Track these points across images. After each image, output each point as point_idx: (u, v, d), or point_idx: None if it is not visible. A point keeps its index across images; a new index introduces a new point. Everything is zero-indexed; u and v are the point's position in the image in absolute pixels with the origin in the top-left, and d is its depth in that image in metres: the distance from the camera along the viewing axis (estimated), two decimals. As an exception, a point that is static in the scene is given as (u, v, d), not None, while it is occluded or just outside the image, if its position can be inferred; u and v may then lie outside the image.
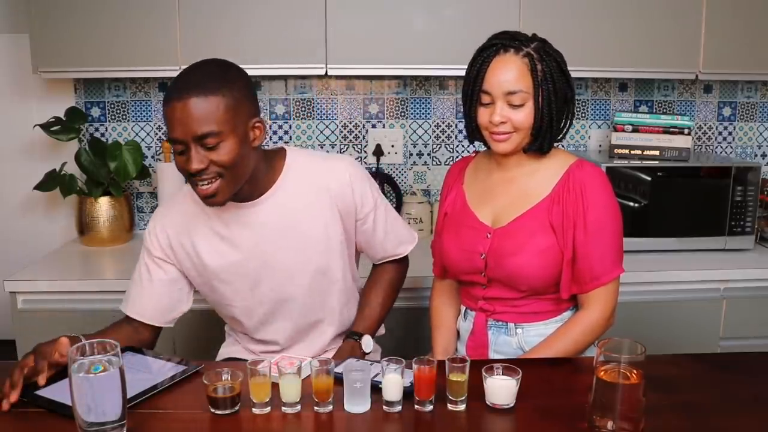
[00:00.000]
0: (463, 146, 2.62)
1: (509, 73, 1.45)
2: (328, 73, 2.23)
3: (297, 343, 1.66)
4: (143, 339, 1.58)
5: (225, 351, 1.75)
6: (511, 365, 1.25)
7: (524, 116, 1.46)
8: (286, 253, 1.55)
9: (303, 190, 1.54)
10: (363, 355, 1.61)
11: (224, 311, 1.65)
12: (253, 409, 1.22)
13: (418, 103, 2.60)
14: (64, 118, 2.42)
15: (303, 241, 1.55)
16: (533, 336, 1.55)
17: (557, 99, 1.47)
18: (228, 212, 1.53)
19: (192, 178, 1.39)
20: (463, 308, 1.66)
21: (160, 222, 1.58)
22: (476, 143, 1.59)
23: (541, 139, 1.50)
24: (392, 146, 2.61)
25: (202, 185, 1.40)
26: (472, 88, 1.50)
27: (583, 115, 2.64)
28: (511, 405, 1.23)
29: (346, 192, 1.56)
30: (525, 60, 1.45)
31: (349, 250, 1.64)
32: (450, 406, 1.24)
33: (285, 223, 1.53)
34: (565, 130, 1.54)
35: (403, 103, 2.60)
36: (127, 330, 1.56)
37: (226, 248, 1.54)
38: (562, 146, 2.64)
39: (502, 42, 1.47)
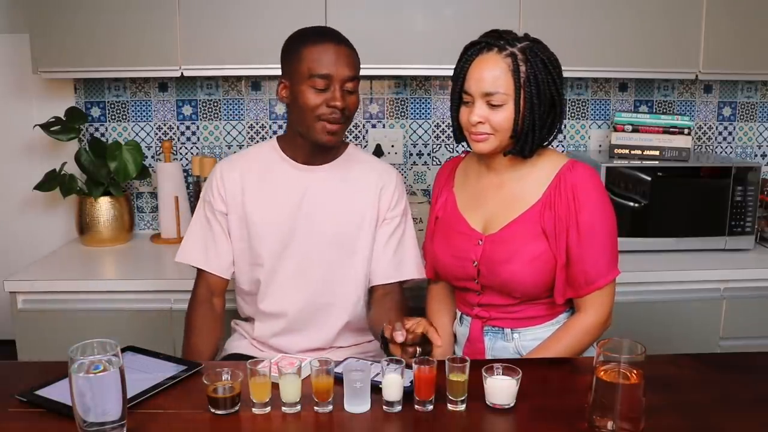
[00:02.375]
0: (463, 146, 2.61)
1: (489, 73, 1.42)
2: (328, 73, 2.23)
3: (305, 327, 1.67)
4: (218, 306, 1.72)
5: (230, 346, 1.77)
6: (511, 365, 1.25)
7: (503, 118, 1.43)
8: (323, 220, 1.65)
9: (358, 170, 1.70)
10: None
11: (252, 274, 1.69)
12: (253, 409, 1.22)
13: (418, 103, 2.59)
14: (64, 118, 2.42)
15: (342, 213, 1.66)
16: (530, 340, 1.54)
17: (541, 102, 1.43)
18: (285, 173, 1.66)
19: (327, 115, 1.55)
20: (458, 313, 1.65)
21: (218, 172, 1.70)
22: (464, 144, 1.57)
23: (522, 143, 1.46)
24: (392, 146, 2.61)
25: (334, 122, 1.56)
26: (454, 86, 1.48)
27: (583, 115, 2.64)
28: (511, 405, 1.23)
29: (390, 187, 1.70)
30: (507, 60, 1.42)
31: (370, 252, 1.69)
32: (450, 406, 1.23)
33: (333, 192, 1.66)
34: (553, 135, 1.50)
35: (403, 103, 2.60)
36: (206, 310, 1.69)
37: (271, 203, 1.65)
38: (562, 146, 2.64)
39: (487, 41, 1.44)
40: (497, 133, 1.45)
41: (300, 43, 1.57)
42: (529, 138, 1.45)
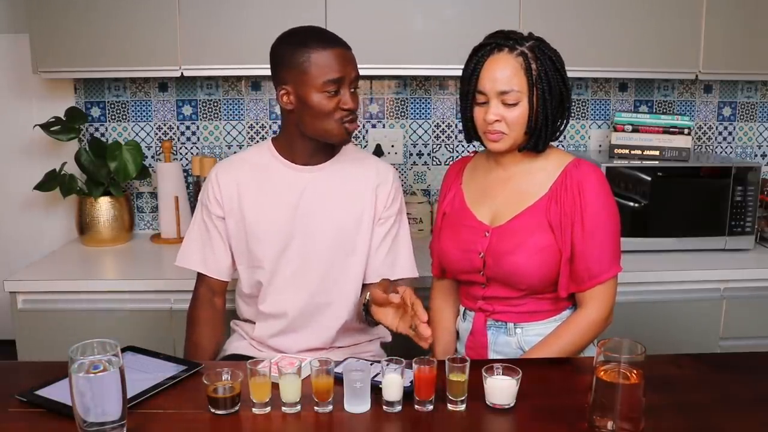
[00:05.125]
0: (463, 146, 2.62)
1: (503, 72, 1.46)
2: (328, 73, 2.23)
3: (305, 327, 1.67)
4: (219, 305, 1.74)
5: (230, 347, 1.76)
6: (511, 365, 1.25)
7: (518, 115, 1.46)
8: (322, 220, 1.64)
9: (354, 168, 1.69)
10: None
11: (252, 276, 1.70)
12: (253, 409, 1.22)
13: (418, 103, 2.60)
14: (64, 118, 2.42)
15: (340, 212, 1.65)
16: (532, 336, 1.55)
17: (552, 98, 1.47)
18: (282, 174, 1.65)
19: (345, 117, 1.57)
20: (462, 309, 1.66)
21: (214, 175, 1.69)
22: (475, 143, 1.59)
23: (536, 138, 1.50)
24: (392, 146, 2.61)
25: (352, 122, 1.59)
26: (467, 87, 1.51)
27: (583, 115, 2.64)
28: (511, 405, 1.23)
29: (387, 185, 1.70)
30: (519, 59, 1.45)
31: (368, 251, 1.68)
32: (450, 406, 1.24)
33: (331, 191, 1.65)
34: (561, 129, 1.54)
35: (403, 103, 2.60)
36: (207, 308, 1.72)
37: (269, 205, 1.64)
38: (562, 146, 2.64)
39: (497, 41, 1.48)
40: (513, 130, 1.48)
41: (303, 50, 1.54)
42: (543, 133, 1.49)
